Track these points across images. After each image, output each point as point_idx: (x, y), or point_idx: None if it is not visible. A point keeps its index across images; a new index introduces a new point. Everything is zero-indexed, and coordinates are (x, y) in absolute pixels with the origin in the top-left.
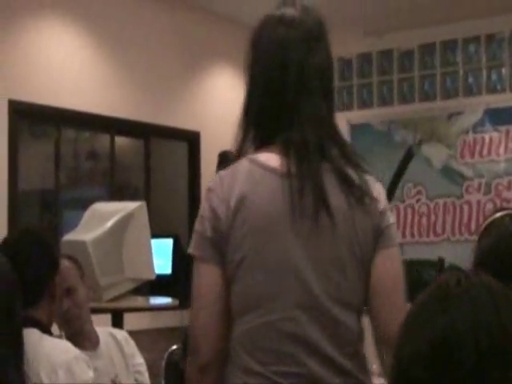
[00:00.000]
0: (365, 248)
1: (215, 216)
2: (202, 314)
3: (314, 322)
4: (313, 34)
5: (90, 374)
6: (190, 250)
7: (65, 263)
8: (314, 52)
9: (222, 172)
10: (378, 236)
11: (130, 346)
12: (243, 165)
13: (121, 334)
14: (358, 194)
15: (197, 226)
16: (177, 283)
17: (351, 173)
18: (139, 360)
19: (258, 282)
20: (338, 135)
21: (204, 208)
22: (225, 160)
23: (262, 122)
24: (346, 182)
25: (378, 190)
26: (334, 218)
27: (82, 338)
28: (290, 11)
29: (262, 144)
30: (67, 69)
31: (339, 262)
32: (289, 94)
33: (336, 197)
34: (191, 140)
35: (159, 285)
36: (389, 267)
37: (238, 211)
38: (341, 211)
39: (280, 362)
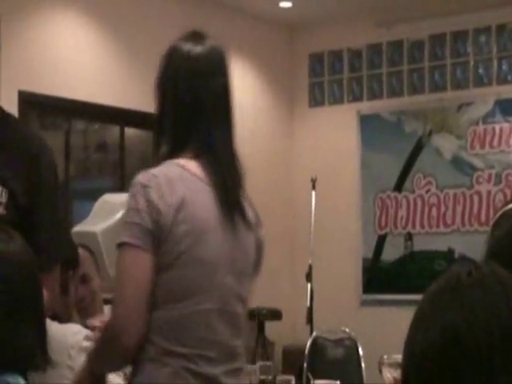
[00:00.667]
0: (255, 254)
1: (155, 210)
2: (133, 297)
3: (222, 315)
4: (215, 68)
5: None
6: (126, 239)
7: (80, 252)
8: (215, 81)
9: (154, 171)
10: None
11: None
12: (173, 169)
13: None
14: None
15: (134, 218)
16: None
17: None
18: None
19: (190, 275)
20: (237, 160)
21: (139, 201)
22: None
23: (174, 132)
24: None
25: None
26: (250, 228)
27: (93, 329)
28: (197, 48)
29: (173, 150)
30: (77, 60)
31: (248, 264)
32: (194, 115)
33: (248, 209)
34: None
35: None
36: None
37: (180, 211)
38: (252, 221)
39: (202, 347)
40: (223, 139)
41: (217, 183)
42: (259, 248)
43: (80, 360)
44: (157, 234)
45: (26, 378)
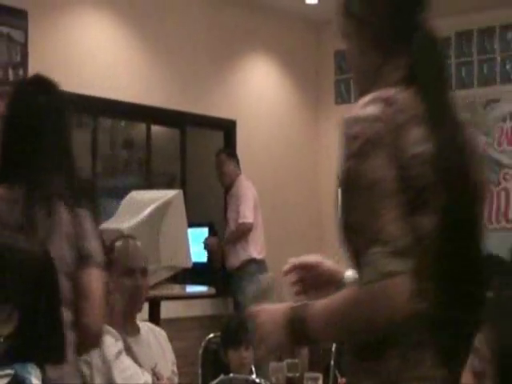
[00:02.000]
0: None
1: None
2: None
3: None
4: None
5: (120, 345)
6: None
7: (136, 244)
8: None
9: None
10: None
11: (168, 344)
12: None
13: (159, 331)
14: None
15: None
16: (213, 271)
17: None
18: (174, 359)
19: None
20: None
21: None
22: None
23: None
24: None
25: None
26: None
27: (127, 322)
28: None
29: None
30: (104, 58)
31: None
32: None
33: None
34: (227, 129)
35: (195, 273)
36: None
37: None
38: None
39: None
40: None
41: None
42: None
43: (96, 356)
44: None
45: (43, 371)
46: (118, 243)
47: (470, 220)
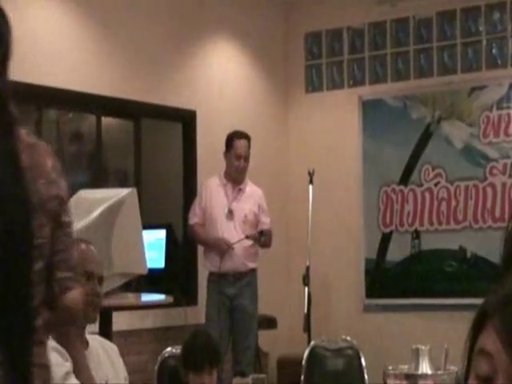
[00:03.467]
0: None
1: None
2: None
3: None
4: None
5: (68, 366)
6: None
7: (92, 248)
8: None
9: None
10: None
11: (119, 359)
12: None
13: (110, 346)
14: None
15: None
16: (171, 278)
17: None
18: (126, 375)
19: None
20: None
21: None
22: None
23: None
24: None
25: None
26: None
27: (76, 335)
28: None
29: None
30: (49, 44)
31: None
32: None
33: None
34: (186, 120)
35: (151, 280)
36: None
37: None
38: None
39: None
40: None
41: None
42: None
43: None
44: None
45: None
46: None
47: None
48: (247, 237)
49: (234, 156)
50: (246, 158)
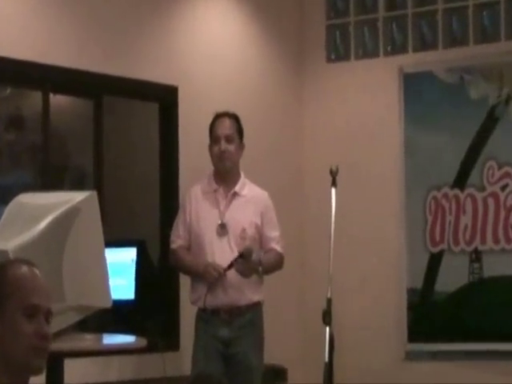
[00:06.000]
0: None
1: None
2: None
3: None
4: None
5: None
6: None
7: (36, 272)
8: None
9: None
10: None
11: None
12: None
13: None
14: None
15: None
16: (144, 314)
17: None
18: None
19: None
20: None
21: None
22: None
23: None
24: None
25: None
26: None
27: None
28: None
29: None
30: None
31: None
32: None
33: None
34: (164, 98)
35: (117, 316)
36: None
37: None
38: None
39: None
40: None
41: None
42: None
43: None
44: None
45: None
46: (14, 269)
47: None
48: (229, 266)
49: (213, 141)
50: (230, 139)
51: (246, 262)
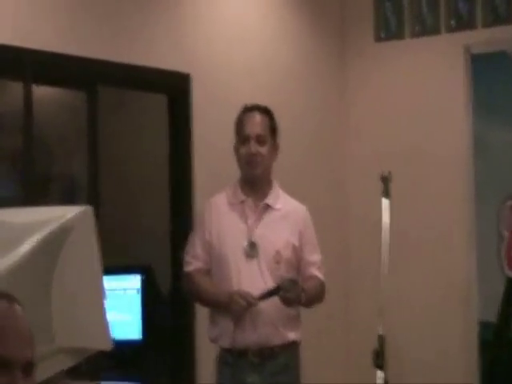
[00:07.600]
0: None
1: None
2: None
3: None
4: None
5: None
6: None
7: (17, 309)
8: None
9: None
10: None
11: None
12: None
13: None
14: None
15: None
16: (152, 357)
17: None
18: None
19: None
20: None
21: None
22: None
23: None
24: None
25: None
26: None
27: None
28: None
29: None
30: None
31: None
32: None
33: None
34: (175, 89)
35: (121, 359)
36: None
37: None
38: None
39: None
40: None
41: None
42: None
43: None
44: None
45: None
46: None
47: None
48: (262, 297)
49: (241, 141)
50: (262, 139)
51: (285, 293)
